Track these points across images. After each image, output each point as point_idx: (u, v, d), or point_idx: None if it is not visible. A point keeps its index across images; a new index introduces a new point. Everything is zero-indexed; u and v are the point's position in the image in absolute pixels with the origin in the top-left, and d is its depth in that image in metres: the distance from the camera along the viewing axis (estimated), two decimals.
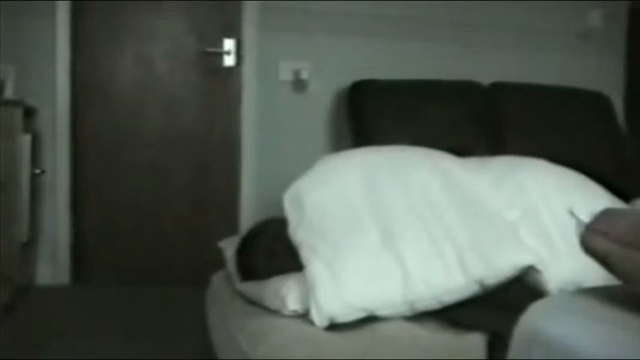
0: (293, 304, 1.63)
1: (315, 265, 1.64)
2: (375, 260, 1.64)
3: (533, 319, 1.06)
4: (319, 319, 1.56)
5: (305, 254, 1.69)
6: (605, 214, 1.03)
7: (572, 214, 1.60)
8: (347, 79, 3.70)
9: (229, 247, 2.17)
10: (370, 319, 1.59)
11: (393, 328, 1.56)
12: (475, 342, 1.54)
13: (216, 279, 2.26)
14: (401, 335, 1.55)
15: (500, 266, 1.59)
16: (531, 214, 1.76)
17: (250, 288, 1.83)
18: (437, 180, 1.81)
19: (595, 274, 1.21)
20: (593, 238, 0.99)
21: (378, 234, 1.69)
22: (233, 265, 2.00)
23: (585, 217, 1.36)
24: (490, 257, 1.60)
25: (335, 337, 1.54)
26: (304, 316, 1.61)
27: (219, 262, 2.31)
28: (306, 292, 1.62)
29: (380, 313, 1.59)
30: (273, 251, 1.84)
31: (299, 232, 1.77)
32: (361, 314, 1.58)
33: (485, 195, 1.79)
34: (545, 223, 1.74)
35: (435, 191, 1.78)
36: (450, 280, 1.60)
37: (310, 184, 1.90)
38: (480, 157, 2.08)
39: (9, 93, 3.36)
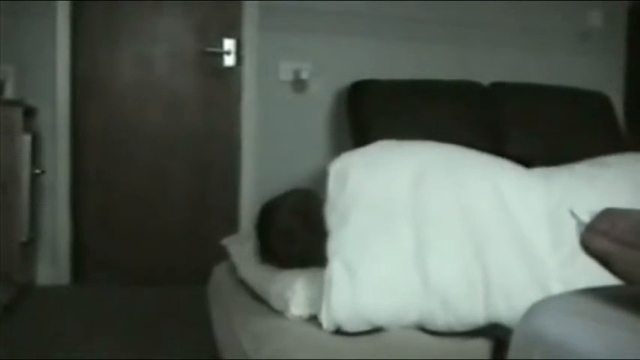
0: (296, 309, 1.60)
1: (336, 264, 1.55)
2: (401, 271, 1.55)
3: (534, 319, 1.06)
4: (327, 323, 1.52)
5: (331, 246, 1.59)
6: (606, 214, 1.03)
7: (572, 214, 1.59)
8: (347, 79, 3.70)
9: (231, 243, 2.16)
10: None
11: (398, 334, 1.54)
12: (480, 347, 1.53)
13: (219, 271, 2.26)
14: (406, 340, 1.53)
15: (520, 312, 1.43)
16: (575, 259, 1.56)
17: (258, 280, 1.80)
18: (488, 199, 1.64)
19: None
20: (594, 238, 0.99)
21: (411, 241, 1.57)
22: (240, 257, 1.97)
23: (586, 218, 1.36)
24: (513, 299, 1.51)
25: (340, 341, 1.52)
26: (308, 319, 1.60)
27: (219, 262, 2.31)
28: (312, 298, 1.59)
29: (389, 327, 1.55)
30: (292, 233, 1.74)
31: (332, 216, 1.64)
32: (370, 327, 1.53)
33: (533, 229, 1.61)
34: (588, 267, 1.51)
35: (481, 211, 1.62)
36: (470, 313, 1.53)
37: (360, 162, 1.71)
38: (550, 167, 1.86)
39: (9, 93, 3.36)
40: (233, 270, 2.05)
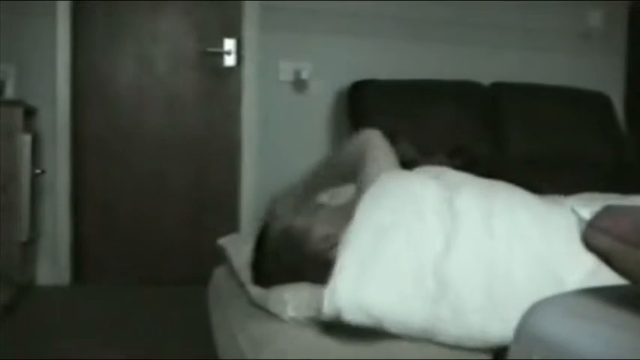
0: (292, 310, 1.59)
1: (350, 253, 1.50)
2: (415, 271, 1.48)
3: (534, 319, 1.06)
4: (328, 307, 1.45)
5: (346, 238, 1.54)
6: (607, 212, 1.03)
7: (573, 210, 1.59)
8: (347, 79, 3.70)
9: (229, 244, 2.16)
10: (377, 332, 1.49)
11: (398, 342, 1.50)
12: (480, 354, 1.51)
13: (219, 273, 2.26)
14: (407, 349, 1.48)
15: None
16: (593, 278, 1.50)
17: (255, 291, 1.82)
18: (514, 217, 1.59)
19: None
20: (595, 236, 0.99)
21: (440, 242, 1.51)
22: (239, 261, 1.98)
23: (587, 214, 1.35)
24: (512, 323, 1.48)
25: (338, 344, 1.50)
26: (306, 322, 1.59)
27: (219, 262, 2.30)
28: (310, 301, 1.57)
29: (389, 327, 1.47)
30: (285, 263, 1.73)
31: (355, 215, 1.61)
32: (370, 321, 1.46)
33: (554, 245, 1.56)
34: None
35: (509, 227, 1.56)
36: (483, 328, 1.46)
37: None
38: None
39: (9, 93, 3.36)
40: (232, 273, 2.05)
